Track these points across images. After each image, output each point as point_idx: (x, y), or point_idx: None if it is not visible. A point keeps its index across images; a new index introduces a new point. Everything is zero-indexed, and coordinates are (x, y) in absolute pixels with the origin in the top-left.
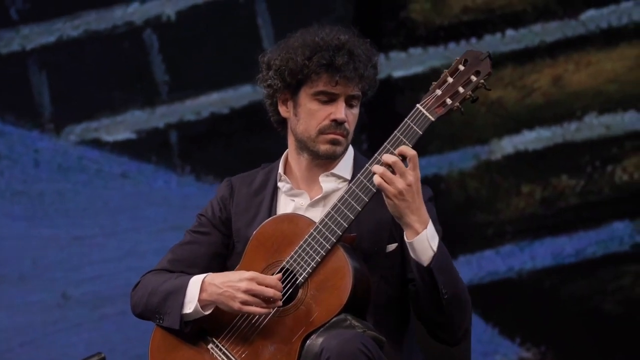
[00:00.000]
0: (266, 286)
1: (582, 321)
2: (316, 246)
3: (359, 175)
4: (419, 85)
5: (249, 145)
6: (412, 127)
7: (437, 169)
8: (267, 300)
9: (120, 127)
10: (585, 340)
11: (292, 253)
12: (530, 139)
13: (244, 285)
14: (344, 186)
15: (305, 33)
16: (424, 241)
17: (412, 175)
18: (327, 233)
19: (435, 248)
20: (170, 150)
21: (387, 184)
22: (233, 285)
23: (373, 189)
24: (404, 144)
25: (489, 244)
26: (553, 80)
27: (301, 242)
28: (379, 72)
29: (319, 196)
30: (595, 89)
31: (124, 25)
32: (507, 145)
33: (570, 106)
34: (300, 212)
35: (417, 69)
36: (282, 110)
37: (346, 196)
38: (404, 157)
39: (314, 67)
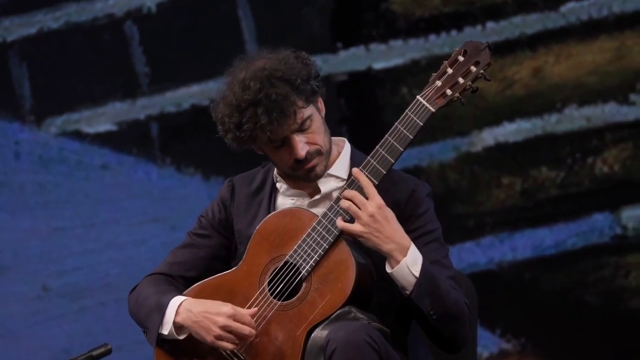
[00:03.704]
0: (243, 324)
1: (562, 313)
2: (319, 239)
3: (360, 167)
4: (399, 77)
5: None
6: (412, 118)
7: (418, 161)
8: (241, 338)
9: (100, 119)
10: (566, 332)
11: (296, 247)
12: (511, 130)
13: (222, 321)
14: (342, 185)
15: (229, 84)
16: (404, 269)
17: (372, 205)
18: (329, 226)
19: (417, 274)
20: (150, 142)
21: (351, 220)
22: (210, 318)
23: (375, 181)
24: (405, 136)
25: (469, 236)
26: (533, 72)
27: (304, 236)
28: (312, 77)
29: (318, 197)
30: (575, 81)
31: (104, 17)
32: (488, 137)
33: (550, 98)
34: None
35: (398, 60)
36: (256, 149)
37: (347, 188)
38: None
39: (247, 135)
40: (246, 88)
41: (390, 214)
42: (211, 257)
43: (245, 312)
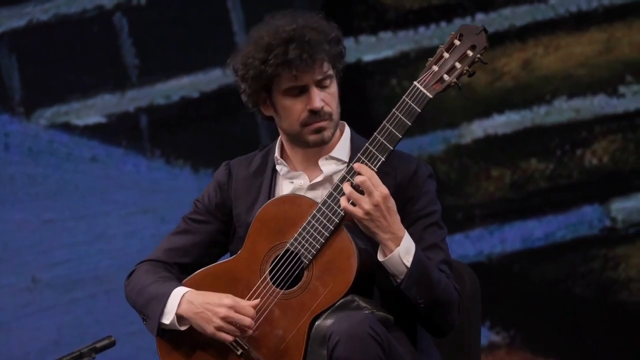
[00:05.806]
0: (244, 315)
1: (551, 305)
2: (320, 227)
3: (359, 154)
4: (388, 69)
5: (218, 129)
6: (410, 105)
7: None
8: (241, 329)
9: (90, 111)
10: (555, 324)
11: (296, 235)
12: (500, 122)
13: (223, 312)
14: (343, 168)
15: (258, 29)
16: (396, 258)
17: (377, 194)
18: (329, 214)
19: (408, 264)
20: (140, 134)
21: (353, 206)
22: (211, 309)
23: (374, 169)
24: (403, 122)
25: (459, 228)
26: (523, 64)
27: (304, 224)
28: (342, 44)
29: (320, 179)
30: (564, 73)
31: (94, 9)
32: (477, 129)
33: (539, 90)
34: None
35: (387, 52)
36: (264, 110)
37: (347, 176)
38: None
39: (271, 69)
40: (281, 29)
41: (392, 204)
42: (207, 243)
43: (246, 304)
